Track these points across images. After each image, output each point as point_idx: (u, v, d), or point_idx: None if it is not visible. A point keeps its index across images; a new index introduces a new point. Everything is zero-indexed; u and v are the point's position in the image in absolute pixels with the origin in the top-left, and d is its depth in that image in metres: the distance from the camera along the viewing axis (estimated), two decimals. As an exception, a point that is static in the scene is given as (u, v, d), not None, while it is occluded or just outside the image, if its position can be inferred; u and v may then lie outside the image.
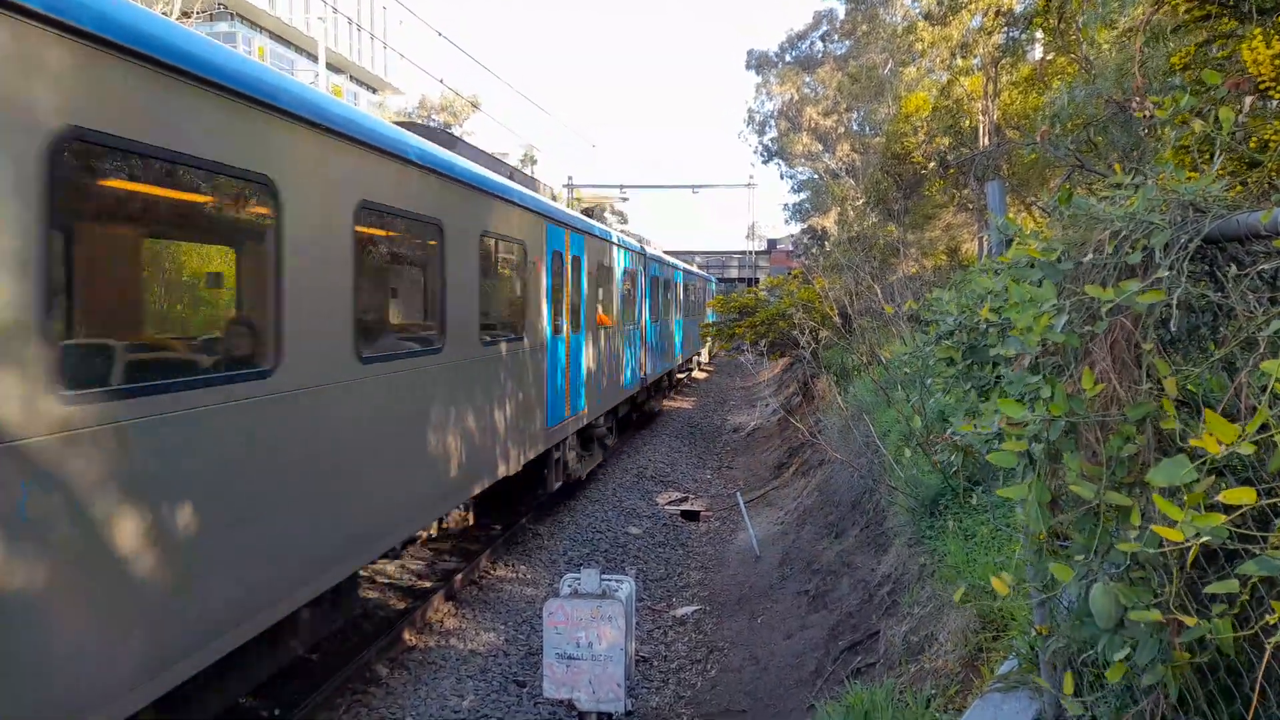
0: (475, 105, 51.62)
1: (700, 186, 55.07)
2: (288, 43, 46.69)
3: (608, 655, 5.89)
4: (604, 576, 6.26)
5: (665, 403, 23.77)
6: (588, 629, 5.99)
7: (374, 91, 56.78)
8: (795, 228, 52.64)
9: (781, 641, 7.22)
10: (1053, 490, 2.36)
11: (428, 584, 8.53)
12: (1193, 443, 1.78)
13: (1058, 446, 2.25)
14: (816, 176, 47.00)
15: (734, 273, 61.99)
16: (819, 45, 47.20)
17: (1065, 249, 2.52)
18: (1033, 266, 2.71)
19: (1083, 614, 2.29)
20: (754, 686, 6.60)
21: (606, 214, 72.81)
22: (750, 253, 62.82)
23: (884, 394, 9.07)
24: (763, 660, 6.98)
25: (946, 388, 3.96)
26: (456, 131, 52.25)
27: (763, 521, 11.08)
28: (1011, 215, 3.91)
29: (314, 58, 36.19)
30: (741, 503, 11.41)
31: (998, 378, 3.15)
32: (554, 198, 13.42)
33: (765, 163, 53.19)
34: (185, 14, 24.22)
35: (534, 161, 60.34)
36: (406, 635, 7.16)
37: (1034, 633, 2.89)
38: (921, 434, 6.33)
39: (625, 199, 57.50)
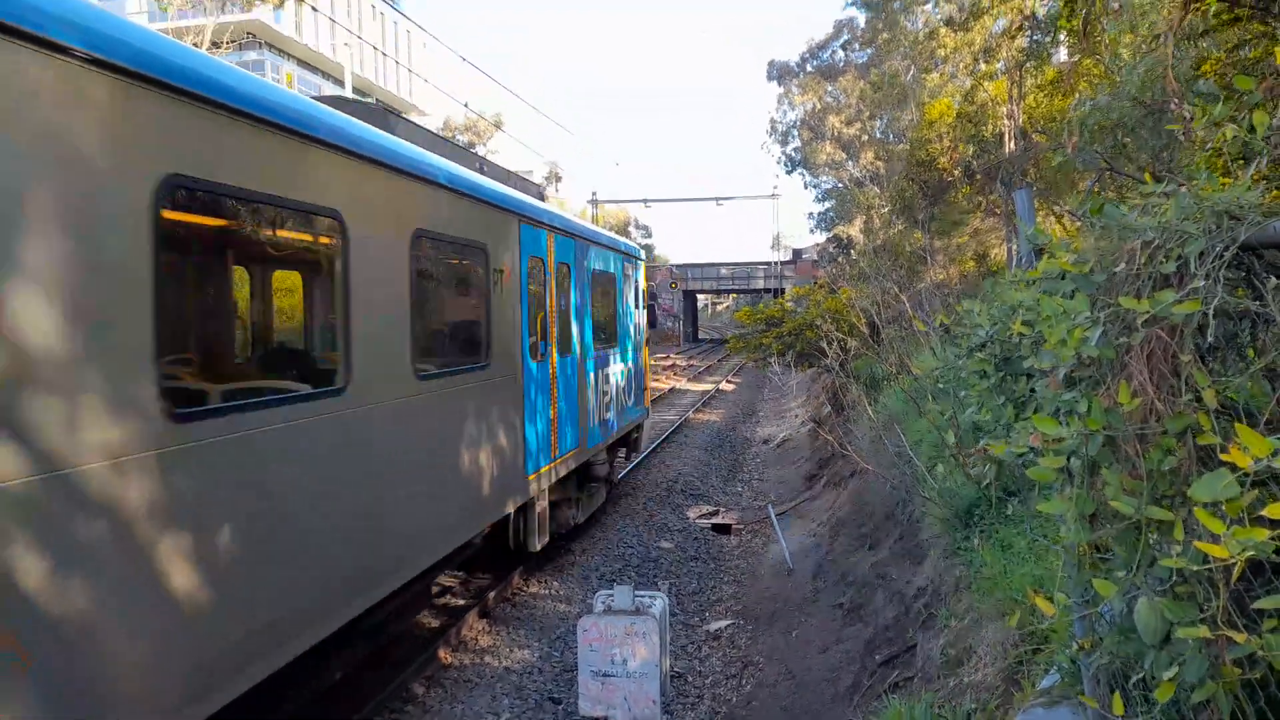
0: (498, 125, 52.20)
1: (724, 199, 55.06)
2: (315, 69, 47.49)
3: (642, 672, 5.88)
4: (637, 593, 6.26)
5: (695, 415, 23.71)
6: (622, 646, 5.99)
7: (397, 113, 57.50)
8: (820, 237, 52.55)
9: (817, 655, 7.17)
10: (1094, 501, 2.34)
11: (461, 602, 8.57)
12: (1223, 457, 1.76)
13: (1096, 461, 2.23)
14: (840, 185, 46.94)
15: (760, 283, 61.89)
16: (840, 54, 47.20)
17: (1098, 260, 2.51)
18: (1064, 278, 2.70)
19: (1126, 629, 2.26)
20: (790, 702, 6.56)
21: (630, 228, 73.19)
22: (776, 263, 62.70)
23: (914, 404, 9.00)
24: (798, 675, 6.93)
25: (980, 401, 3.93)
26: (481, 150, 52.73)
27: (795, 534, 11.02)
28: (1040, 222, 3.89)
29: (341, 83, 36.81)
30: (773, 515, 11.36)
31: (1032, 390, 3.13)
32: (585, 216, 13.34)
33: (789, 172, 53.24)
34: (215, 44, 24.76)
35: (558, 179, 60.75)
36: (442, 653, 7.20)
37: (1076, 647, 2.85)
38: (954, 447, 6.27)
39: (648, 207, 57.74)
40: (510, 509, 7.72)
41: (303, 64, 46.45)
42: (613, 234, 13.77)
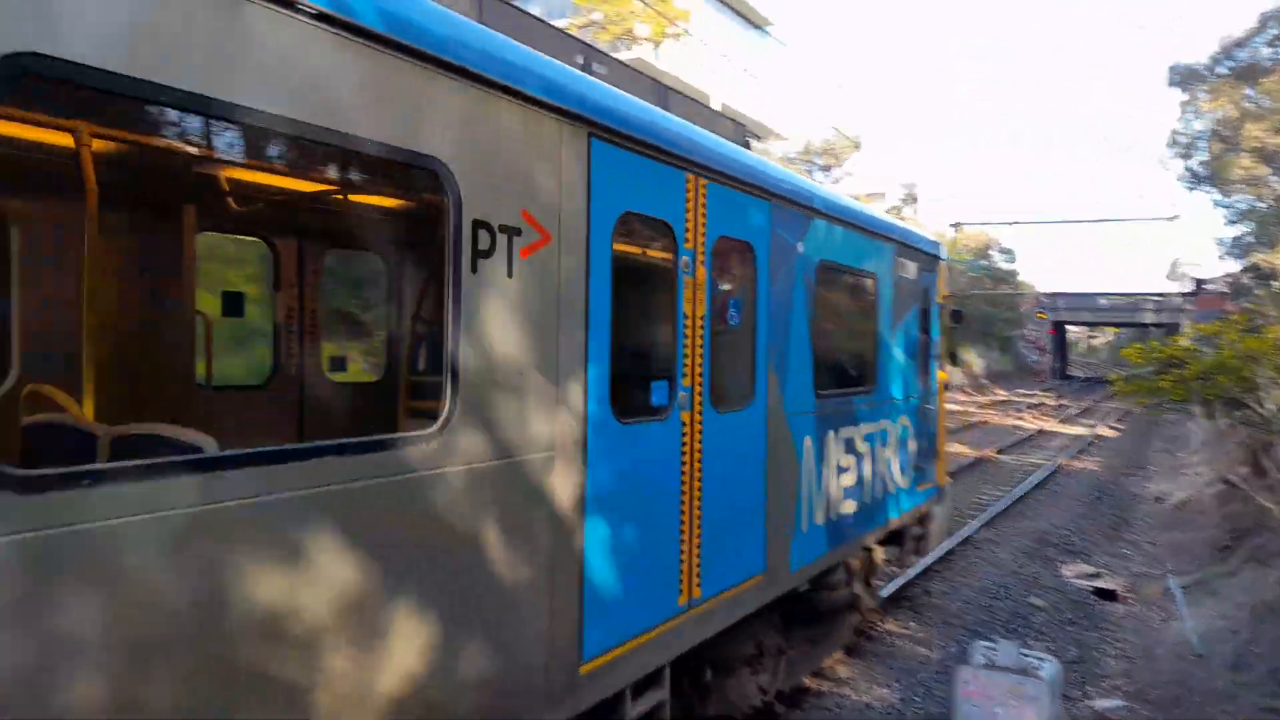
0: (856, 146, 51.79)
1: (1105, 220, 49.33)
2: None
3: (1030, 741, 5.40)
4: (1022, 652, 5.78)
5: (1068, 462, 21.48)
6: (1005, 706, 5.57)
7: (759, 138, 59.25)
8: (1232, 265, 45.12)
9: (1242, 764, 6.07)
10: None
11: (818, 628, 8.51)
12: None
13: None
14: (1263, 205, 40.05)
15: (1148, 317, 54.52)
16: (1264, 51, 40.30)
17: None
18: None
19: None
20: (1209, 812, 5.61)
21: (991, 251, 68.43)
22: (1171, 295, 54.81)
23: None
24: (1219, 782, 5.92)
25: None
26: (836, 173, 52.50)
27: (1202, 613, 9.46)
28: None
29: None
30: (1175, 587, 9.87)
31: None
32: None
33: (1190, 190, 46.55)
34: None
35: (914, 200, 58.72)
36: (804, 678, 7.21)
37: None
38: None
39: (1012, 228, 53.47)
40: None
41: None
42: (875, 212, 8.09)
